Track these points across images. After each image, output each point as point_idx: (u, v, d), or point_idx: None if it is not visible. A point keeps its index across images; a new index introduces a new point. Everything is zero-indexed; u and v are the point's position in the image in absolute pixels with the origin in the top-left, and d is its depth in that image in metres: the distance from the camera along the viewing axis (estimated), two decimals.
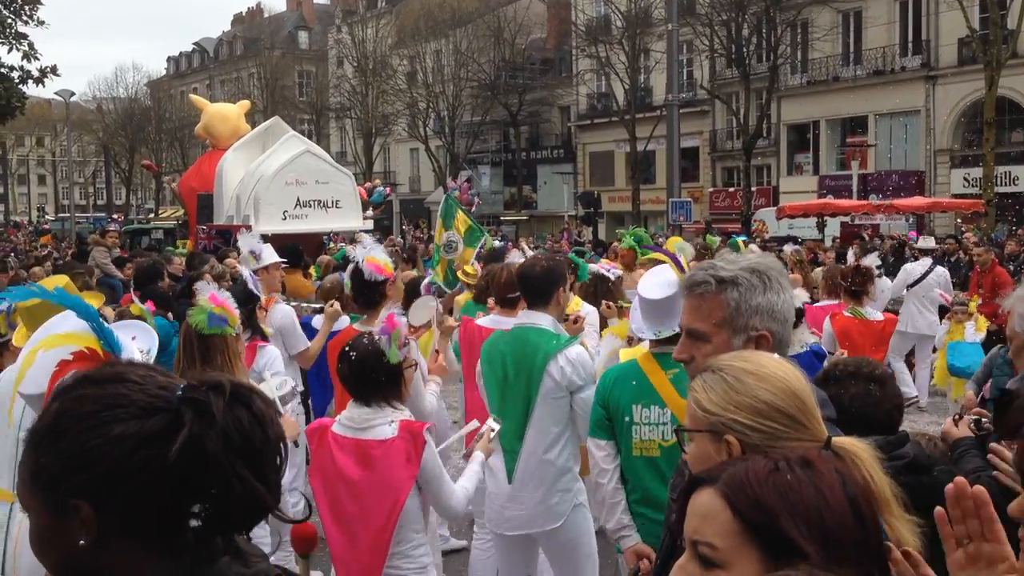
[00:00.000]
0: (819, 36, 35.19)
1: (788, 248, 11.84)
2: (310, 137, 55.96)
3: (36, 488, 1.35)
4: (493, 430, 3.98)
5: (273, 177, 15.58)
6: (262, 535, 4.06)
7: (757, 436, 1.76)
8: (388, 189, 29.46)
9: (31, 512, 1.36)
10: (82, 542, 1.31)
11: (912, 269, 11.13)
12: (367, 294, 5.18)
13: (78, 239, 24.79)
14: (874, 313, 7.38)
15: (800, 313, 5.75)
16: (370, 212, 17.55)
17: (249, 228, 15.04)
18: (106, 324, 2.72)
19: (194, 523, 1.36)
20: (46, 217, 67.31)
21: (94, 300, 4.08)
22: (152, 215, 57.58)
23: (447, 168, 47.92)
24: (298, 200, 15.73)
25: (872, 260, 9.47)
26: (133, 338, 2.95)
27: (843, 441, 1.71)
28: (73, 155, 57.33)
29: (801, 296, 5.98)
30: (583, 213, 40.30)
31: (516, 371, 4.38)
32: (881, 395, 3.17)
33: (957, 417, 3.36)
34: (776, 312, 2.30)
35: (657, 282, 3.82)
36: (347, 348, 3.71)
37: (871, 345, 6.80)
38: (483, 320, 5.56)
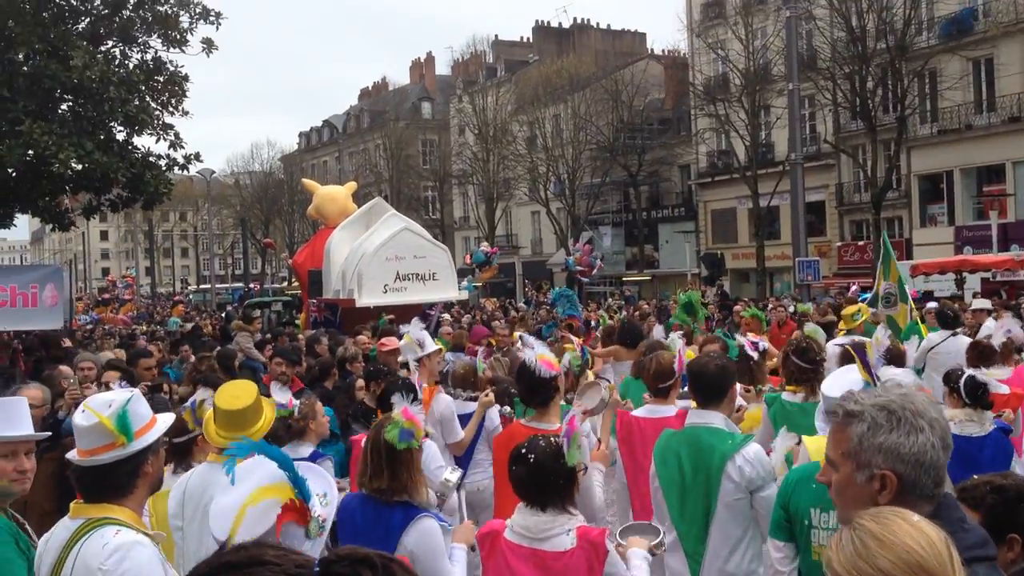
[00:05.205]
0: (948, 85, 34.04)
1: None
2: (433, 204, 57.59)
3: None
4: None
5: (375, 253, 16.50)
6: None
7: None
8: (494, 248, 29.41)
9: None
10: None
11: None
12: (540, 393, 5.14)
13: (224, 318, 26.07)
14: (998, 386, 6.98)
15: (986, 390, 5.75)
16: (465, 282, 18.05)
17: (353, 302, 15.64)
18: (299, 473, 2.88)
19: None
20: (188, 288, 70.65)
21: (269, 407, 4.39)
22: (286, 283, 59.70)
23: (568, 230, 48.14)
24: (397, 274, 16.55)
25: (1010, 324, 8.87)
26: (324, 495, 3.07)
27: None
28: (213, 228, 60.09)
29: (999, 374, 5.99)
30: (706, 273, 39.55)
31: (694, 473, 4.33)
32: None
33: None
34: (903, 454, 2.19)
35: (841, 382, 3.78)
36: (523, 450, 3.61)
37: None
38: (639, 411, 5.56)
